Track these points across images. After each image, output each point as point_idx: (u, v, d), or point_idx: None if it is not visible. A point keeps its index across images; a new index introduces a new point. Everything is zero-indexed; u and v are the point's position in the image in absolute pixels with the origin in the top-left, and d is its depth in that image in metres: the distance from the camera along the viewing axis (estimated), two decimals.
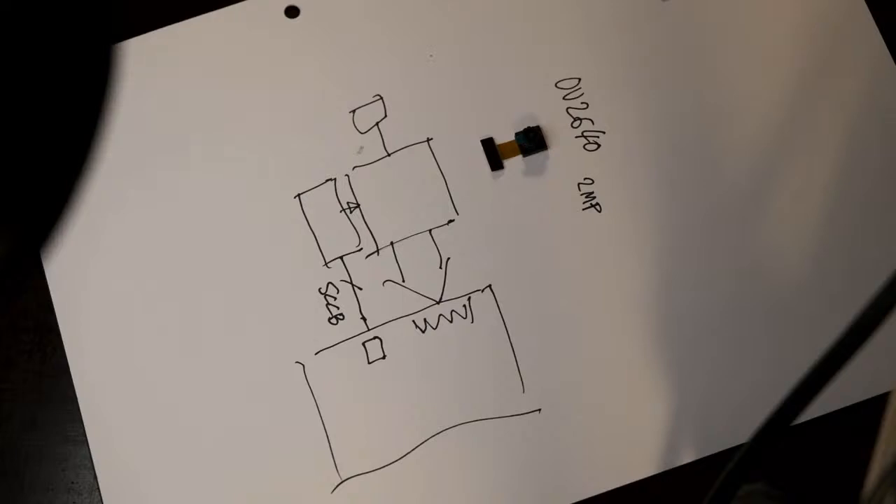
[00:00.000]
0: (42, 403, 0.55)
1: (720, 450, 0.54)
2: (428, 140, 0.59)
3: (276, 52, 0.60)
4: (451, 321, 0.56)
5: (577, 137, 0.59)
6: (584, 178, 0.58)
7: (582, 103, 0.59)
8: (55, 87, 0.24)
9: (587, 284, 0.57)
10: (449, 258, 0.57)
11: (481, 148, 0.58)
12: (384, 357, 0.56)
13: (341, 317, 0.56)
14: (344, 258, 0.57)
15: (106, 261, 0.57)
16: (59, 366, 0.55)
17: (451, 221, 0.58)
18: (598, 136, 0.59)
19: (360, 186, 0.58)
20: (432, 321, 0.56)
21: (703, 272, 0.57)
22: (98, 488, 0.54)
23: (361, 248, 0.57)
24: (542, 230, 0.57)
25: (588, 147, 0.59)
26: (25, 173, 0.24)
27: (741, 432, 0.53)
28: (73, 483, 0.54)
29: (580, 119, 0.59)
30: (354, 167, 0.58)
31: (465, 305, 0.56)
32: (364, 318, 0.56)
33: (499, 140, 0.58)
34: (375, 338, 0.56)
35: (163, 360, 0.56)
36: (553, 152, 0.58)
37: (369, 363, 0.56)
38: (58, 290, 0.56)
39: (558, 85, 0.60)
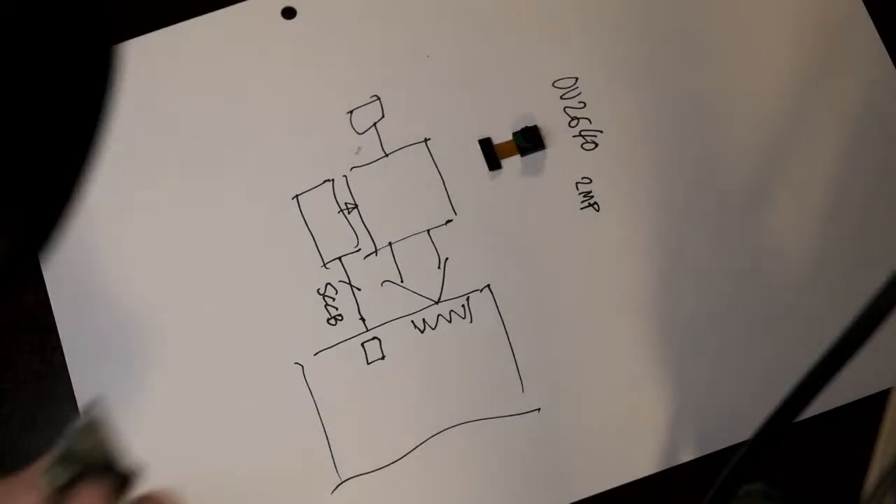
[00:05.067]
0: (42, 403, 0.55)
1: (720, 448, 0.54)
2: (425, 140, 0.59)
3: (273, 54, 0.60)
4: (449, 321, 0.56)
5: (574, 137, 0.59)
6: (582, 178, 0.58)
7: (579, 102, 0.59)
8: (56, 88, 0.24)
9: (586, 283, 0.57)
10: (447, 258, 0.57)
11: (479, 148, 0.58)
12: (383, 357, 0.56)
13: (340, 317, 0.56)
14: (342, 259, 0.57)
15: (105, 261, 0.57)
16: (59, 366, 0.55)
17: (449, 221, 0.58)
18: (595, 136, 0.59)
19: (358, 187, 0.58)
20: (431, 321, 0.56)
21: (701, 270, 0.57)
22: None
23: (360, 249, 0.57)
24: (541, 230, 0.57)
25: (586, 146, 0.59)
26: (26, 174, 0.24)
27: (741, 431, 0.53)
28: None
29: (578, 118, 0.59)
30: (352, 168, 0.58)
31: (463, 305, 0.56)
32: (363, 319, 0.56)
33: (496, 140, 0.58)
34: (374, 338, 0.56)
35: (162, 361, 0.56)
36: (551, 152, 0.58)
37: (368, 364, 0.56)
38: (57, 290, 0.56)
39: (556, 84, 0.60)
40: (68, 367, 0.55)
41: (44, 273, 0.56)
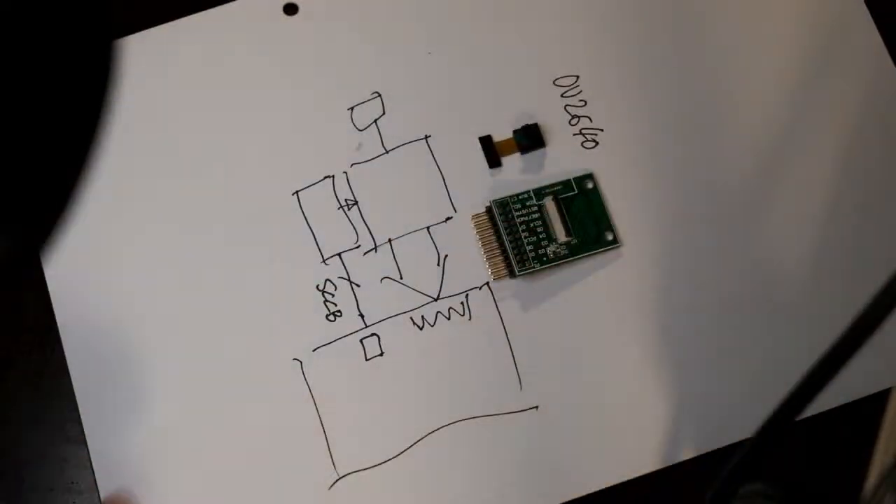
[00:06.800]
0: (42, 403, 0.55)
1: (719, 446, 0.54)
2: (426, 137, 0.59)
3: (274, 49, 0.60)
4: (448, 318, 0.56)
5: (574, 135, 0.59)
6: None
7: (580, 101, 0.59)
8: (55, 85, 0.24)
9: (585, 282, 0.57)
10: (447, 255, 0.57)
11: (479, 145, 0.58)
12: (382, 354, 0.56)
13: (339, 314, 0.56)
14: (342, 255, 0.57)
15: (105, 259, 0.57)
16: (59, 366, 0.55)
17: (448, 219, 0.58)
18: (595, 134, 0.59)
19: (358, 183, 0.58)
20: (430, 318, 0.56)
21: (701, 268, 0.57)
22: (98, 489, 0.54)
23: (359, 245, 0.57)
24: None
25: (586, 145, 0.59)
26: (25, 172, 0.24)
27: (741, 429, 0.53)
28: (72, 483, 0.54)
29: (578, 117, 0.59)
30: (352, 164, 0.58)
31: (462, 303, 0.56)
32: (362, 315, 0.56)
33: (497, 137, 0.58)
34: (373, 335, 0.56)
35: (161, 359, 0.55)
36: (551, 150, 0.58)
37: (367, 360, 0.56)
38: (57, 289, 0.56)
39: (556, 82, 0.60)
40: (68, 366, 0.55)
41: (44, 272, 0.56)
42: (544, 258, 0.56)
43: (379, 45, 0.60)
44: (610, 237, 0.56)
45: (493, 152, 0.58)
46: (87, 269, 0.57)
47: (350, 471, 0.54)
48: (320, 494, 0.54)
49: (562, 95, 0.59)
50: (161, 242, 0.57)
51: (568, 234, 0.55)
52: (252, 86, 0.59)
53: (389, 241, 0.57)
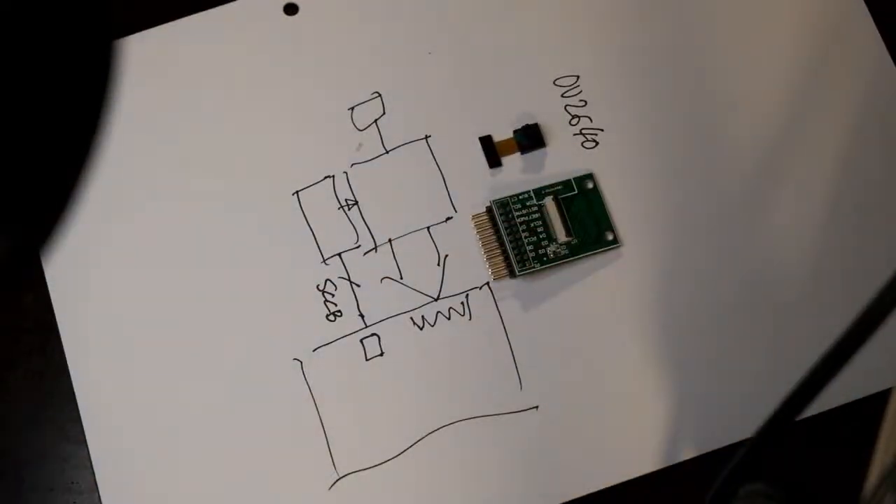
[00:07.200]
0: (42, 403, 0.55)
1: (719, 446, 0.54)
2: (426, 137, 0.59)
3: (274, 49, 0.60)
4: (448, 318, 0.56)
5: (575, 135, 0.59)
6: None
7: (580, 101, 0.59)
8: (55, 85, 0.24)
9: (585, 281, 0.57)
10: (447, 255, 0.57)
11: (479, 145, 0.58)
12: (382, 354, 0.56)
13: (339, 314, 0.56)
14: (342, 255, 0.57)
15: (105, 260, 0.57)
16: (59, 366, 0.55)
17: (449, 219, 0.58)
18: (596, 134, 0.59)
19: (359, 184, 0.58)
20: (430, 318, 0.56)
21: (702, 269, 0.57)
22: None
23: (360, 245, 0.57)
24: None
25: (586, 145, 0.59)
26: (25, 172, 0.24)
27: (741, 429, 0.54)
28: (73, 483, 0.54)
29: (578, 117, 0.59)
30: (353, 164, 0.58)
31: (462, 303, 0.56)
32: (362, 315, 0.56)
33: (497, 137, 0.58)
34: (373, 335, 0.56)
35: (161, 358, 0.56)
36: (551, 150, 0.58)
37: (367, 360, 0.56)
38: (58, 289, 0.56)
39: (556, 82, 0.60)
40: (69, 366, 0.55)
41: (44, 272, 0.56)
42: (544, 258, 0.56)
43: (379, 46, 0.60)
44: (610, 237, 0.56)
45: (493, 152, 0.58)
46: (87, 269, 0.57)
47: (350, 471, 0.54)
48: (320, 494, 0.54)
49: (562, 95, 0.59)
50: (161, 242, 0.57)
51: (568, 234, 0.55)
52: (252, 86, 0.59)
53: (389, 241, 0.57)
